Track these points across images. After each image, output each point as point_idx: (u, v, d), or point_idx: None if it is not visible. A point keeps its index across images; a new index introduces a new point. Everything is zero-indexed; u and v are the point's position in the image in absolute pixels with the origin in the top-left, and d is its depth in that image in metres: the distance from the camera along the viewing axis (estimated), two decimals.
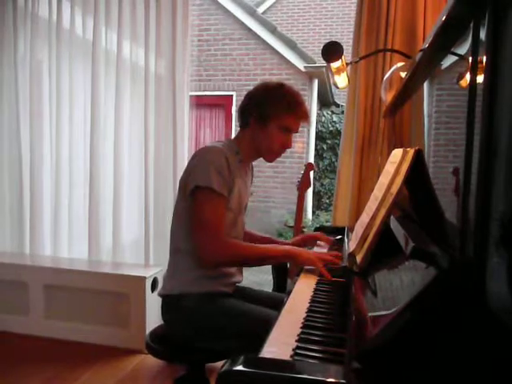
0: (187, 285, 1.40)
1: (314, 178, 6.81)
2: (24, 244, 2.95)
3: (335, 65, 1.58)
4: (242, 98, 1.52)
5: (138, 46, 2.73)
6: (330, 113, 7.16)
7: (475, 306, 0.58)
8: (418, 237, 0.76)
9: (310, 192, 6.64)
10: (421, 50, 0.92)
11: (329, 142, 6.98)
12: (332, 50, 1.52)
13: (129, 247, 2.87)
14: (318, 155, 6.98)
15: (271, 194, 6.67)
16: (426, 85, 1.24)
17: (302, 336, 0.83)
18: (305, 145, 6.51)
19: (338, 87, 1.85)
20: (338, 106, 7.55)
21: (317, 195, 7.01)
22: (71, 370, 2.25)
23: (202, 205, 1.32)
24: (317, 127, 6.83)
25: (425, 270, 0.64)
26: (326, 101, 7.69)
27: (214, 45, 6.62)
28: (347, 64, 1.64)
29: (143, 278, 2.47)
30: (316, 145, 6.81)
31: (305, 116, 1.46)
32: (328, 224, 5.27)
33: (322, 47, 1.55)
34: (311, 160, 6.62)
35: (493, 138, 0.58)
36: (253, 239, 1.67)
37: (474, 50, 0.61)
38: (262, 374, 0.65)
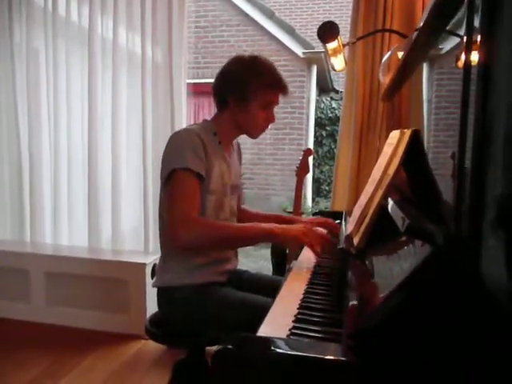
0: (179, 277, 1.38)
1: (313, 165, 6.80)
2: (25, 232, 2.96)
3: (331, 46, 1.56)
4: None
5: (134, 33, 2.71)
6: (329, 99, 7.12)
7: (469, 283, 0.59)
8: (414, 216, 0.76)
9: (309, 179, 6.64)
10: (416, 30, 0.91)
11: (328, 128, 6.95)
12: (328, 30, 1.50)
13: (128, 234, 2.88)
14: (318, 142, 6.95)
15: (271, 182, 6.67)
16: (425, 69, 1.23)
17: (299, 316, 0.84)
18: (303, 131, 6.49)
19: (335, 70, 1.83)
20: (337, 92, 7.51)
21: (316, 182, 7.01)
22: (73, 355, 2.28)
23: (177, 185, 1.27)
24: (316, 114, 6.80)
25: (420, 248, 0.64)
26: (325, 87, 7.65)
27: (212, 31, 6.56)
28: (344, 45, 1.62)
29: (143, 265, 2.49)
30: (315, 132, 6.78)
31: (285, 89, 1.40)
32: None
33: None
34: (311, 147, 6.61)
35: (487, 119, 0.58)
36: (254, 217, 1.65)
37: (468, 30, 0.60)
38: (258, 352, 0.66)
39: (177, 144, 1.33)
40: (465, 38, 0.60)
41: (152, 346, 2.32)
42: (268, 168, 6.61)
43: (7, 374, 2.09)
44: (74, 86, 2.82)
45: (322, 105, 7.05)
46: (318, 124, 6.92)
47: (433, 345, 0.60)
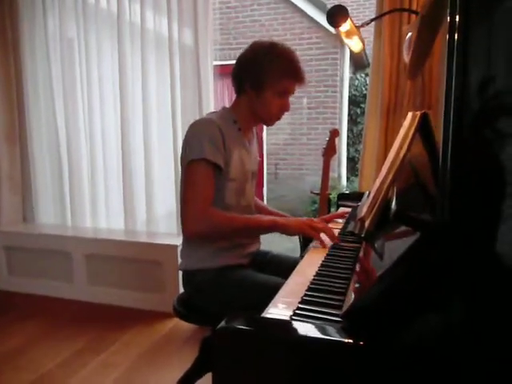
0: (201, 261, 1.42)
1: (347, 143, 6.69)
2: (66, 217, 3.12)
3: (343, 29, 1.53)
4: None
5: (161, 16, 2.74)
6: (363, 76, 6.94)
7: (452, 268, 0.59)
8: (407, 202, 0.76)
9: (343, 158, 6.55)
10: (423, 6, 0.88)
11: (362, 106, 6.77)
12: (336, 14, 1.47)
13: (162, 217, 2.97)
14: (352, 120, 6.81)
15: (305, 162, 6.63)
16: None
17: (305, 298, 0.86)
18: (337, 110, 6.37)
19: (353, 51, 1.80)
20: None
21: (351, 161, 6.90)
22: (111, 331, 2.42)
23: (193, 176, 1.31)
24: (350, 91, 6.64)
25: (410, 235, 0.65)
26: (360, 63, 7.44)
27: (242, 11, 6.49)
28: (358, 27, 1.58)
29: (175, 247, 2.57)
30: (349, 110, 6.64)
31: (301, 77, 1.38)
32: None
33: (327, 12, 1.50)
34: (344, 126, 6.49)
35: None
36: (262, 212, 1.66)
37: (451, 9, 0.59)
38: (259, 333, 0.69)
39: (195, 134, 1.35)
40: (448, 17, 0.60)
41: (184, 324, 2.40)
42: (302, 148, 6.56)
43: (53, 347, 2.25)
44: (105, 73, 2.90)
45: (357, 82, 6.88)
46: (352, 102, 6.77)
47: (418, 324, 0.61)
